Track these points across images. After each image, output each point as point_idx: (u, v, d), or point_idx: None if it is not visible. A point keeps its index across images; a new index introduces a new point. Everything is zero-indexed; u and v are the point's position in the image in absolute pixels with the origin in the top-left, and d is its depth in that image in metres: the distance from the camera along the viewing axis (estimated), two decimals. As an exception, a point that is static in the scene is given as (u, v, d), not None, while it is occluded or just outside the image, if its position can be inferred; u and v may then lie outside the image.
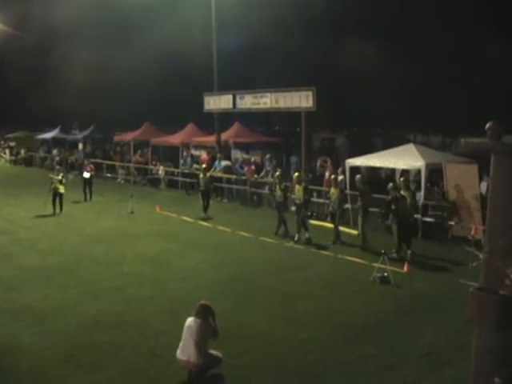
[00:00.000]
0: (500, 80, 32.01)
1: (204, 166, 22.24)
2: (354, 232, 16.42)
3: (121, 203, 22.23)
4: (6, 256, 14.65)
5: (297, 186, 17.03)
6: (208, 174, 21.10)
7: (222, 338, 7.93)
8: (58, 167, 23.81)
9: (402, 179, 16.57)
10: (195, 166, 27.24)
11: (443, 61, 37.06)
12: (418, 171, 18.27)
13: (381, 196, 16.24)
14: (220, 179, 24.56)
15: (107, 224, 19.10)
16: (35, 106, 48.66)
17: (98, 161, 33.88)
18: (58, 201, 20.79)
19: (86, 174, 24.17)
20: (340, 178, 19.18)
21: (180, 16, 35.18)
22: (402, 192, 15.23)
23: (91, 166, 25.44)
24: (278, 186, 17.49)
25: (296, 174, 17.67)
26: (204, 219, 19.64)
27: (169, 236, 17.16)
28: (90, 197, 24.12)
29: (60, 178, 20.93)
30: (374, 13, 38.94)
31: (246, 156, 28.09)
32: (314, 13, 36.57)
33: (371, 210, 16.40)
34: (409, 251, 14.72)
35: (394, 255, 14.19)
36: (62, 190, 20.79)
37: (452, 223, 16.28)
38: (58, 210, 20.76)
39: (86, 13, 38.91)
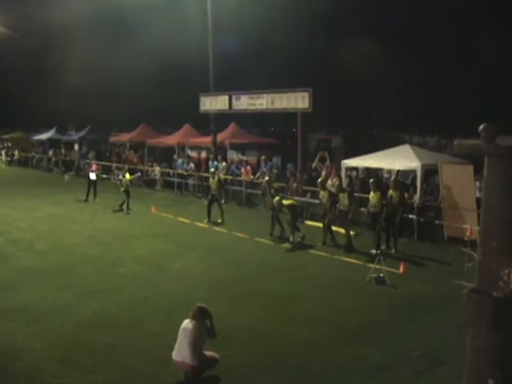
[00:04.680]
0: (497, 81, 32.13)
1: (212, 170, 21.29)
2: (352, 232, 16.40)
3: (117, 204, 22.18)
4: (1, 256, 14.62)
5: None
6: (216, 178, 20.05)
7: (217, 340, 7.94)
8: (125, 166, 24.45)
9: (392, 178, 16.69)
10: (190, 165, 27.30)
11: (440, 62, 37.16)
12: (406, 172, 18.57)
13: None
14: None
15: (103, 225, 19.07)
16: (32, 107, 48.62)
17: (93, 162, 33.73)
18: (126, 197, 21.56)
19: (93, 176, 23.99)
20: (334, 179, 19.19)
21: (176, 17, 35.22)
22: (390, 191, 15.53)
23: (96, 165, 25.38)
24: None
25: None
26: (212, 223, 19.16)
27: (165, 237, 17.14)
28: (94, 197, 24.02)
29: (129, 176, 22.02)
30: (370, 14, 39.05)
31: (242, 157, 28.13)
32: (311, 13, 36.63)
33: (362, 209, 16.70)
34: (393, 250, 15.14)
35: (373, 251, 14.67)
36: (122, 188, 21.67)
37: (448, 224, 16.33)
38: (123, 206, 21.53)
39: (83, 14, 38.88)
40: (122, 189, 21.61)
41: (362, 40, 37.04)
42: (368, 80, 36.77)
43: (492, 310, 2.85)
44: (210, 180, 20.36)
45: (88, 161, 32.42)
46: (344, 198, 15.90)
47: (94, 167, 24.72)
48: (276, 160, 27.03)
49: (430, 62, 37.18)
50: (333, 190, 17.43)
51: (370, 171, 20.45)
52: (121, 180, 22.23)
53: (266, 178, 19.47)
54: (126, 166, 25.27)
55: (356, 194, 17.36)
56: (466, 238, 13.94)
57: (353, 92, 39.23)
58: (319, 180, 17.23)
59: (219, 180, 20.17)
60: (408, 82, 36.27)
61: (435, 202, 17.04)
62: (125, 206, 21.19)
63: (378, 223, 15.34)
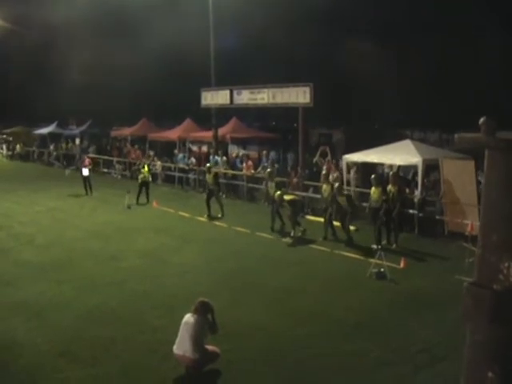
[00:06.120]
0: (498, 76, 32.05)
1: (208, 165, 21.31)
2: (352, 227, 16.40)
3: (118, 198, 22.20)
4: (2, 251, 14.64)
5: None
6: (212, 172, 20.11)
7: (218, 334, 7.94)
8: (143, 161, 25.55)
9: (391, 173, 16.66)
10: (192, 160, 27.32)
11: (441, 58, 37.07)
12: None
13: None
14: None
15: (104, 219, 19.07)
16: (33, 102, 48.56)
17: (93, 156, 33.72)
18: (144, 191, 22.14)
19: (85, 172, 23.96)
20: (335, 174, 19.21)
21: (178, 12, 35.17)
22: (389, 186, 15.46)
23: (89, 159, 25.32)
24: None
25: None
26: (211, 218, 19.16)
27: (166, 231, 17.16)
28: (91, 192, 24.04)
29: (147, 168, 22.55)
30: (372, 10, 38.94)
31: (244, 151, 28.14)
32: (313, 9, 36.51)
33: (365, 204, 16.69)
34: (393, 245, 15.15)
35: (374, 246, 14.57)
36: (149, 178, 22.51)
37: (448, 219, 16.32)
38: (144, 200, 22.11)
39: (86, 10, 38.81)
40: (140, 181, 22.21)
41: (365, 36, 36.97)
42: (370, 75, 36.63)
43: (492, 303, 2.83)
44: (207, 175, 20.37)
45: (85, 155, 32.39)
46: (343, 202, 15.85)
47: (86, 162, 24.58)
48: (273, 154, 26.99)
49: (431, 58, 37.12)
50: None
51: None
52: (139, 171, 22.86)
53: (268, 170, 19.59)
54: (143, 160, 25.50)
55: (358, 189, 17.36)
56: (466, 233, 13.95)
57: (354, 88, 39.13)
58: (323, 172, 17.24)
59: (215, 175, 20.19)
60: (409, 78, 36.17)
61: (436, 197, 17.03)
62: (126, 202, 21.05)
63: (379, 218, 15.34)
